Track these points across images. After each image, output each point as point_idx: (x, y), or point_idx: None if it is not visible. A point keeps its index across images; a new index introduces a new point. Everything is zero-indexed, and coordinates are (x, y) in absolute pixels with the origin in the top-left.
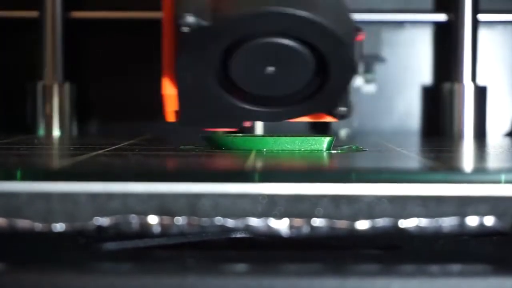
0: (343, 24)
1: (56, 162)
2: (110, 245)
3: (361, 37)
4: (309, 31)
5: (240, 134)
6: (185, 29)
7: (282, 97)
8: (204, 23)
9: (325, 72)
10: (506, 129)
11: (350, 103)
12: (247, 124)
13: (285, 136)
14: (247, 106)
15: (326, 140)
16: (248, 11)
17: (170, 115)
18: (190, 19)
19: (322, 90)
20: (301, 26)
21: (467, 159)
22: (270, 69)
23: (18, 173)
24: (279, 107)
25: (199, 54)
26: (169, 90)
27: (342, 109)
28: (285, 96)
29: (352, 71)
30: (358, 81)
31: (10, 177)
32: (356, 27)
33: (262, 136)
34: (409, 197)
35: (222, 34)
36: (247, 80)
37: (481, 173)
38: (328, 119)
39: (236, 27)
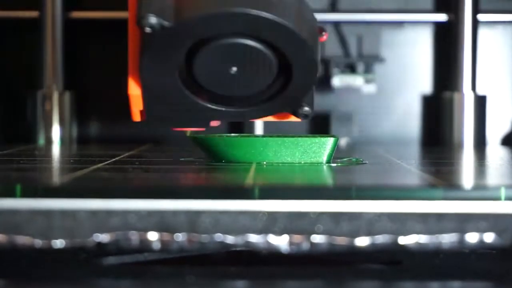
0: (305, 25)
1: (56, 178)
2: (110, 260)
3: (324, 37)
4: (271, 32)
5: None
6: (147, 30)
7: (247, 97)
8: (166, 23)
9: (288, 73)
10: (506, 130)
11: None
12: (213, 123)
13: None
14: (211, 106)
15: (326, 153)
16: (210, 12)
17: (136, 115)
18: (152, 19)
19: (286, 91)
20: (264, 28)
21: (467, 174)
22: (233, 69)
23: (18, 190)
24: (244, 106)
25: (162, 55)
26: (134, 90)
27: (306, 109)
28: (250, 96)
29: (314, 72)
30: (358, 81)
31: (10, 193)
32: (320, 27)
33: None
34: (409, 214)
35: (184, 34)
36: (210, 80)
37: (481, 190)
38: (293, 119)
39: (199, 28)
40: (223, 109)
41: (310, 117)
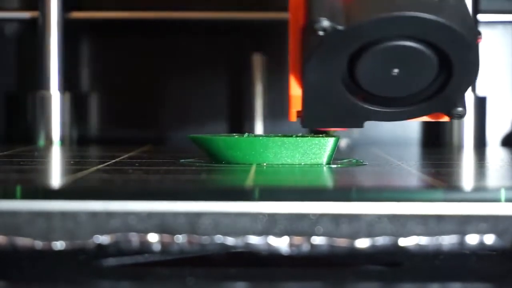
0: (467, 26)
1: (56, 179)
2: (110, 261)
3: (480, 39)
4: (437, 33)
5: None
6: (321, 33)
7: (403, 97)
8: (339, 27)
9: (448, 73)
10: (506, 131)
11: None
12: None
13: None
14: (369, 107)
15: (326, 154)
16: (381, 16)
17: (293, 115)
18: (325, 23)
19: (444, 91)
20: (430, 29)
21: (467, 176)
22: (395, 71)
23: (19, 191)
24: (400, 107)
25: (329, 57)
26: (295, 91)
27: (460, 109)
28: (407, 96)
29: (476, 72)
30: None
31: (10, 195)
32: (477, 30)
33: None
34: (409, 215)
35: (354, 38)
36: (372, 82)
37: (481, 191)
38: (445, 119)
39: (369, 31)
40: (380, 109)
41: (464, 117)
